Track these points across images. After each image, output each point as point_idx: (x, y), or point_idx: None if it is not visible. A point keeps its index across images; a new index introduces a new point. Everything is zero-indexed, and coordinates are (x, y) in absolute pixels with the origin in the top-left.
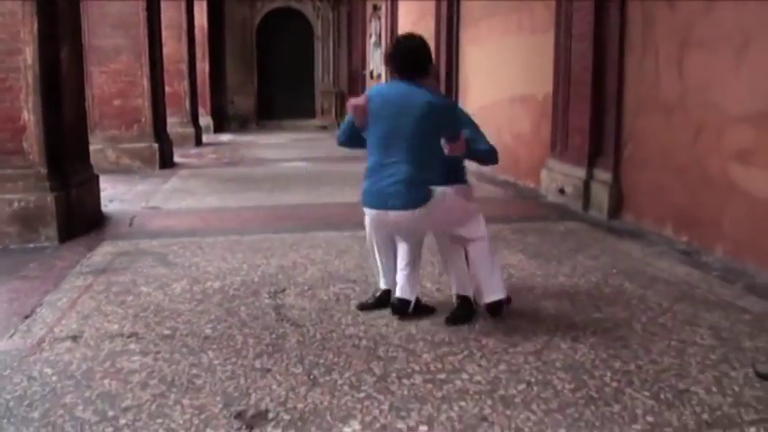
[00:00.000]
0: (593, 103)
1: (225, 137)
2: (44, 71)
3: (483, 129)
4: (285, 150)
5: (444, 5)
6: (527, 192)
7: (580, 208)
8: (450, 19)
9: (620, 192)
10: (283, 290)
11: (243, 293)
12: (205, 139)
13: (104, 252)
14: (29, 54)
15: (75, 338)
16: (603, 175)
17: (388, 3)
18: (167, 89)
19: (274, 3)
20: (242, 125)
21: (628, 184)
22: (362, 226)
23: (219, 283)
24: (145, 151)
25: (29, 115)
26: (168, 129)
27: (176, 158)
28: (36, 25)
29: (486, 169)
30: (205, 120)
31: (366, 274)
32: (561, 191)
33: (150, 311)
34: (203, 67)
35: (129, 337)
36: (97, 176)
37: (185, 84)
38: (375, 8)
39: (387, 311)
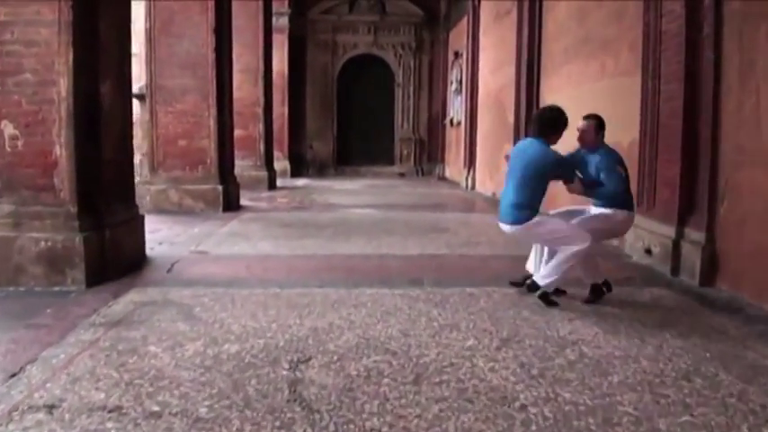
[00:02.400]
0: (683, 152)
1: (301, 181)
2: (80, 104)
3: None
4: (357, 197)
5: (525, 52)
6: (610, 249)
7: (668, 271)
8: (531, 66)
9: (715, 255)
10: (308, 359)
11: (260, 361)
12: (280, 183)
13: (128, 300)
14: (63, 86)
15: (51, 409)
16: (695, 234)
17: (469, 50)
18: (241, 132)
19: (356, 50)
20: (320, 170)
21: (724, 245)
22: (418, 283)
23: (238, 346)
24: (209, 193)
25: (61, 150)
26: (240, 171)
27: (245, 201)
28: (72, 56)
29: None
30: (282, 164)
31: (409, 344)
32: (648, 251)
33: (148, 378)
34: (282, 111)
35: (110, 411)
36: (142, 217)
37: (260, 127)
38: (456, 55)
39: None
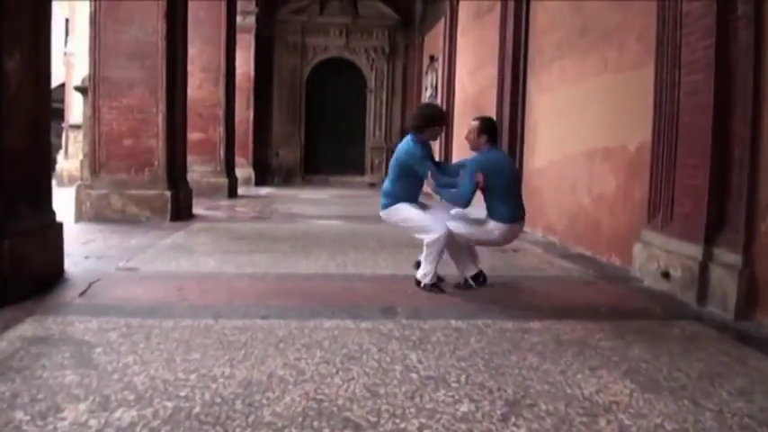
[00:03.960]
0: (713, 156)
1: (264, 190)
2: None
3: (553, 186)
4: (323, 207)
5: (510, 49)
6: (613, 271)
7: (693, 300)
8: (516, 64)
9: (755, 281)
10: None
11: None
12: (243, 191)
13: (16, 336)
14: None
15: None
16: (728, 255)
17: (446, 53)
18: (200, 135)
19: (327, 53)
20: (286, 179)
21: (766, 270)
22: (390, 313)
23: (135, 412)
24: (155, 200)
25: None
26: (199, 178)
27: (199, 210)
28: None
29: (555, 239)
30: (245, 171)
31: (379, 410)
32: (665, 275)
33: None
34: (247, 115)
35: None
36: (60, 225)
37: (221, 130)
38: (432, 59)
39: None
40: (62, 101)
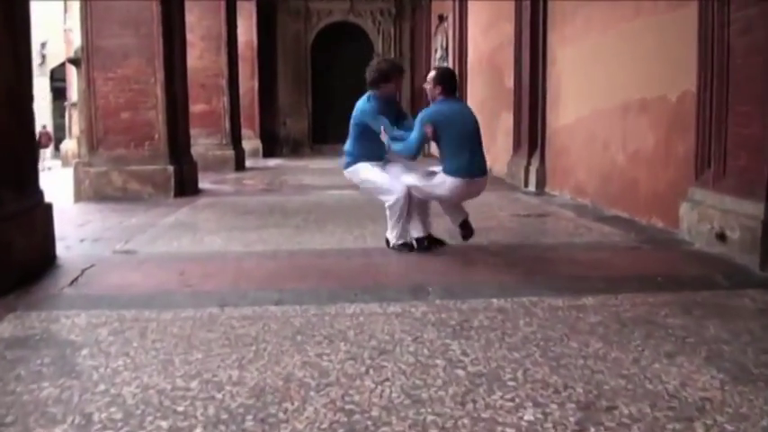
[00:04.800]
0: None
1: (273, 161)
2: None
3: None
4: (334, 177)
5: (527, 1)
6: (657, 234)
7: (756, 264)
8: (535, 17)
9: None
10: None
11: None
12: (251, 163)
13: None
14: None
15: None
16: None
17: (456, 11)
18: (204, 107)
19: (331, 17)
20: (294, 149)
21: None
22: (421, 292)
23: None
24: (157, 175)
25: None
26: (204, 151)
27: (205, 184)
28: None
29: (586, 201)
30: (253, 143)
31: (424, 421)
32: (720, 236)
33: None
34: (252, 85)
35: None
36: (48, 207)
37: (225, 101)
38: (441, 19)
39: None
40: (64, 79)
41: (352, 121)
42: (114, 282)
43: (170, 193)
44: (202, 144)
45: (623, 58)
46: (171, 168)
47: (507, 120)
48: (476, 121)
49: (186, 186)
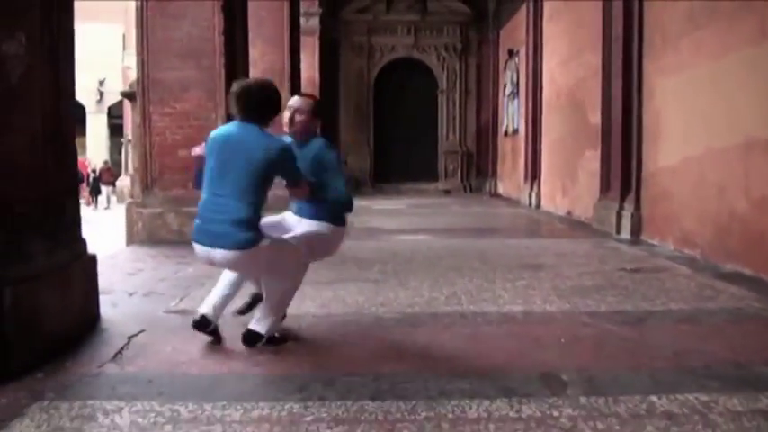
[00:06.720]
0: None
1: None
2: None
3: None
4: (402, 219)
5: (618, 29)
6: None
7: None
8: (628, 46)
9: None
10: None
11: None
12: None
13: None
14: None
15: None
16: None
17: (530, 44)
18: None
19: (394, 53)
20: (355, 188)
21: None
22: (553, 382)
23: None
24: None
25: None
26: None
27: None
28: None
29: (695, 253)
30: None
31: None
32: None
33: None
34: None
35: None
36: (92, 260)
37: None
38: (511, 54)
39: None
40: (121, 116)
41: (256, 170)
42: (167, 356)
43: None
44: None
45: (746, 89)
46: None
47: (592, 159)
48: None
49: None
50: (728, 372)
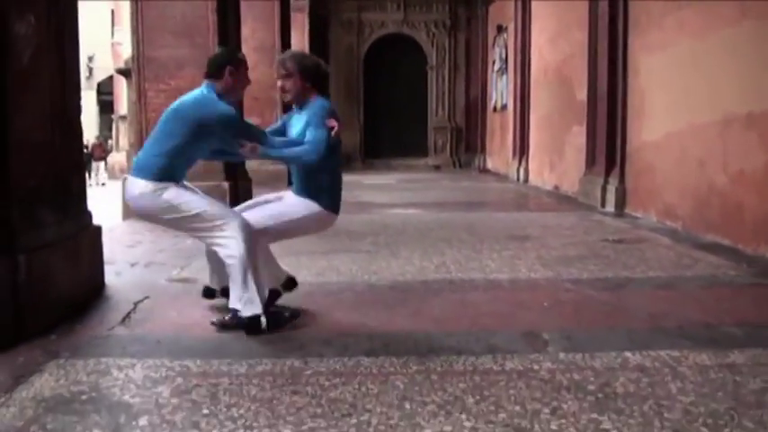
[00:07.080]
0: None
1: None
2: None
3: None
4: (393, 194)
5: (604, 6)
6: None
7: None
8: (614, 22)
9: None
10: None
11: None
12: None
13: (29, 397)
14: None
15: None
16: None
17: (518, 20)
18: (256, 120)
19: (384, 29)
20: (346, 163)
21: None
22: (535, 342)
23: None
24: (212, 191)
25: None
26: (257, 166)
27: None
28: None
29: (677, 225)
30: None
31: None
32: None
33: None
34: None
35: None
36: (97, 231)
37: (278, 114)
38: (500, 29)
39: None
40: (111, 93)
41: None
42: (173, 320)
43: None
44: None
45: (725, 67)
46: (226, 185)
47: (578, 135)
48: None
49: (241, 202)
50: (699, 332)
